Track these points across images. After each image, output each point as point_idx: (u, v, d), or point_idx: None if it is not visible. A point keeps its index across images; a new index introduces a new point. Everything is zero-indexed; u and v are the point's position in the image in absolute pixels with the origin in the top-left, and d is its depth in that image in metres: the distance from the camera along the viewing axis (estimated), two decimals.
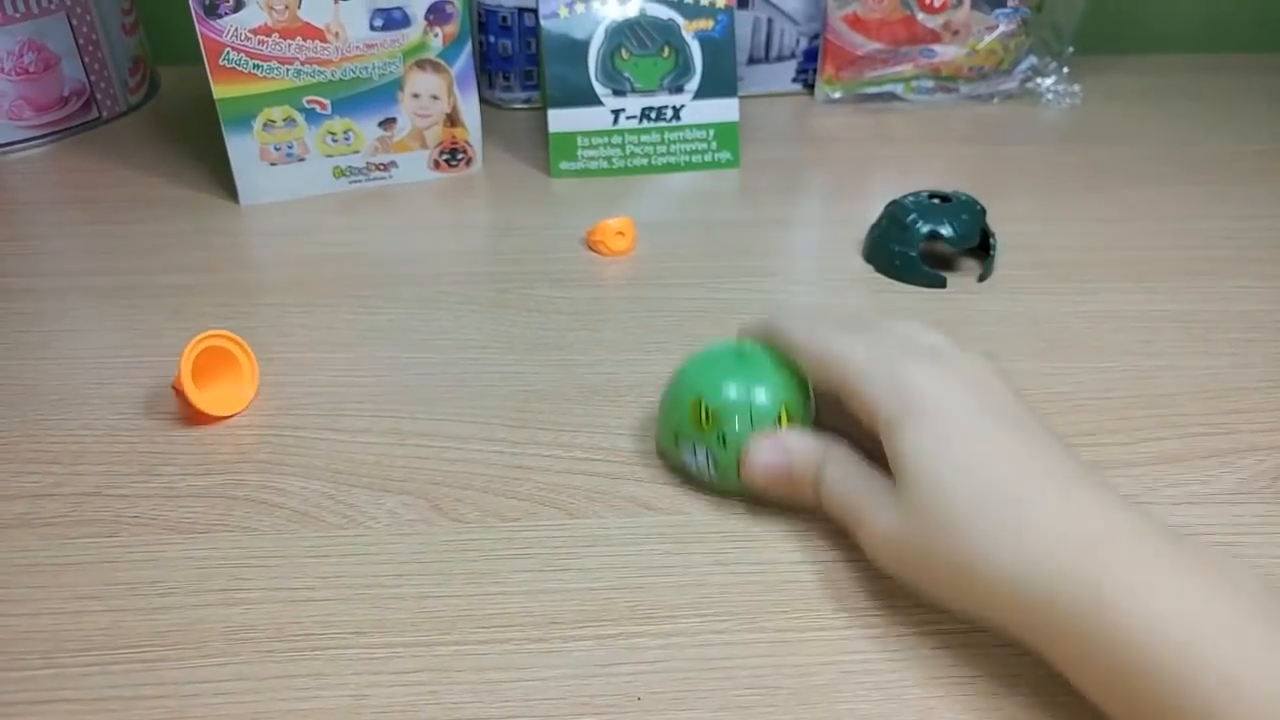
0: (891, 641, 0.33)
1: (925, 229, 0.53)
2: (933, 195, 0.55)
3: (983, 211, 0.54)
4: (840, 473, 0.35)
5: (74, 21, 0.67)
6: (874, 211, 0.56)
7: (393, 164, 0.62)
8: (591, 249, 0.56)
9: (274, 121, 0.58)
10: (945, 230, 0.53)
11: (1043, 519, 0.28)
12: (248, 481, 0.39)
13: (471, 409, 0.43)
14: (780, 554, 0.36)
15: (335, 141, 0.60)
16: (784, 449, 0.35)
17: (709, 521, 0.37)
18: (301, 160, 0.60)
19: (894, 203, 0.55)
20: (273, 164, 0.59)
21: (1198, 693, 0.24)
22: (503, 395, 0.44)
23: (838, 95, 0.76)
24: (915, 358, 0.33)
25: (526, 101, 0.75)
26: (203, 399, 0.41)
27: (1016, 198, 0.63)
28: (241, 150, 0.58)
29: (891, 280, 0.54)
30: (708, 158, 0.65)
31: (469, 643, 0.32)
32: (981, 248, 0.55)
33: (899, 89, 0.77)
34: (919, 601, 0.34)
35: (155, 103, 0.75)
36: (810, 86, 0.78)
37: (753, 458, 0.36)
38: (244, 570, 0.35)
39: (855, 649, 0.32)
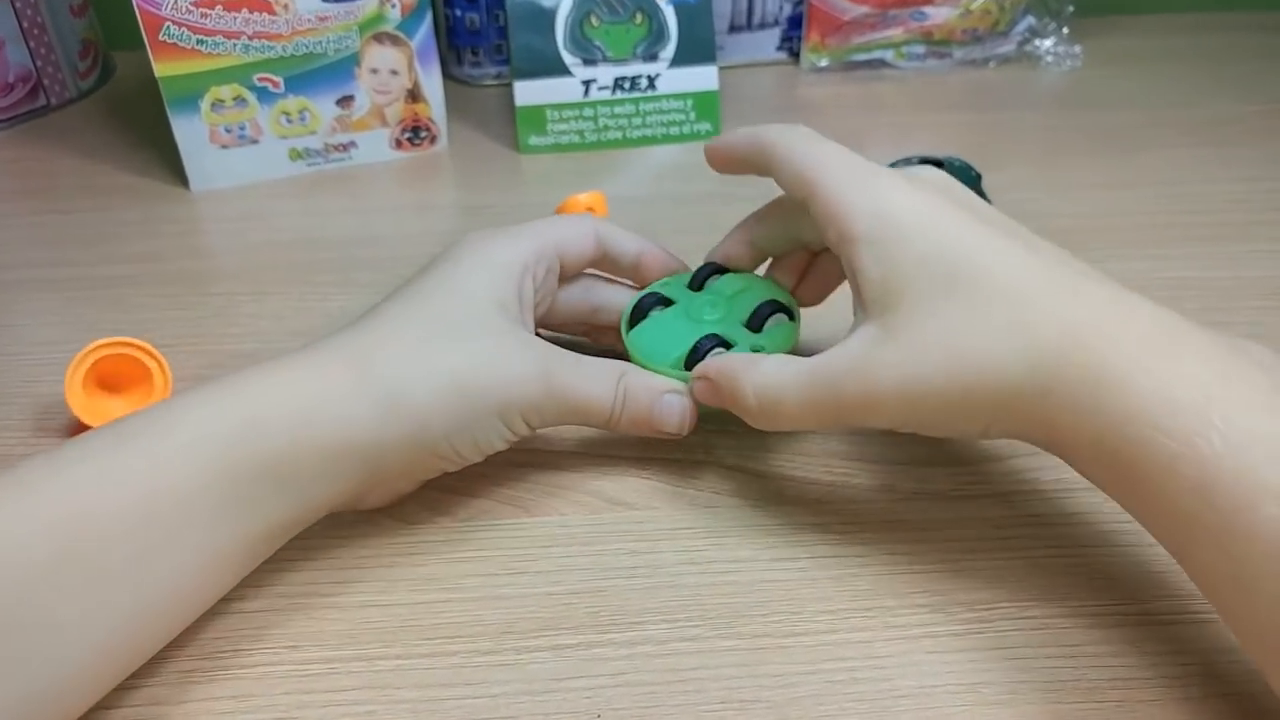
0: (881, 646, 0.29)
1: None
2: (924, 160, 0.51)
3: (978, 177, 0.51)
4: (772, 361, 0.31)
5: (17, 4, 0.63)
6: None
7: (352, 144, 0.59)
8: None
9: (223, 101, 0.55)
10: None
11: (1051, 307, 0.27)
12: None
13: None
14: (758, 550, 0.33)
15: (290, 122, 0.57)
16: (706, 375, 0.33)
17: (680, 518, 0.34)
18: (255, 142, 0.57)
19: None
20: (224, 147, 0.56)
21: (1197, 456, 0.23)
22: None
23: (824, 63, 0.73)
24: (899, 175, 0.30)
25: (497, 77, 0.71)
26: (96, 415, 0.36)
27: (1015, 165, 0.59)
28: (189, 132, 0.55)
29: None
30: (686, 129, 0.62)
31: (413, 656, 0.29)
32: None
33: (889, 55, 0.73)
34: (911, 601, 0.31)
35: (108, 88, 0.72)
36: (795, 55, 0.75)
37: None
38: None
39: (841, 655, 0.29)
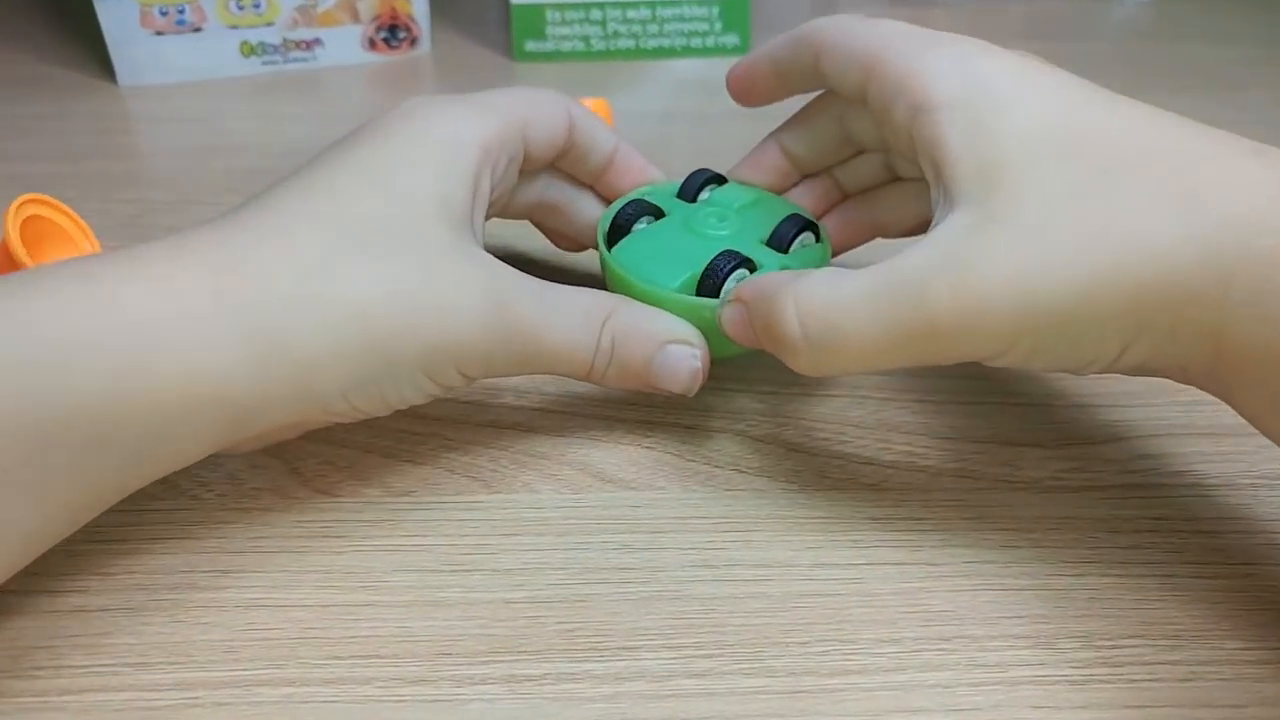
0: (965, 695, 0.21)
1: None
2: None
3: None
4: (823, 276, 0.23)
5: None
6: None
7: (317, 42, 0.50)
8: None
9: None
10: None
11: (1226, 175, 0.20)
12: None
13: None
14: (795, 552, 0.24)
15: (241, 9, 0.48)
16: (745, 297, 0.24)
17: (692, 502, 0.26)
18: (197, 30, 0.48)
19: None
20: (158, 33, 0.47)
21: None
22: None
23: None
24: (982, 42, 0.23)
25: None
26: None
27: None
28: (114, 13, 0.46)
29: None
30: (710, 41, 0.52)
31: (310, 682, 0.21)
32: None
33: None
34: (1005, 631, 0.22)
35: None
36: None
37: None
38: None
39: (912, 706, 0.21)
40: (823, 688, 0.21)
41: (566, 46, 0.51)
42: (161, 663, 0.21)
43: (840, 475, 0.27)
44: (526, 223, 0.32)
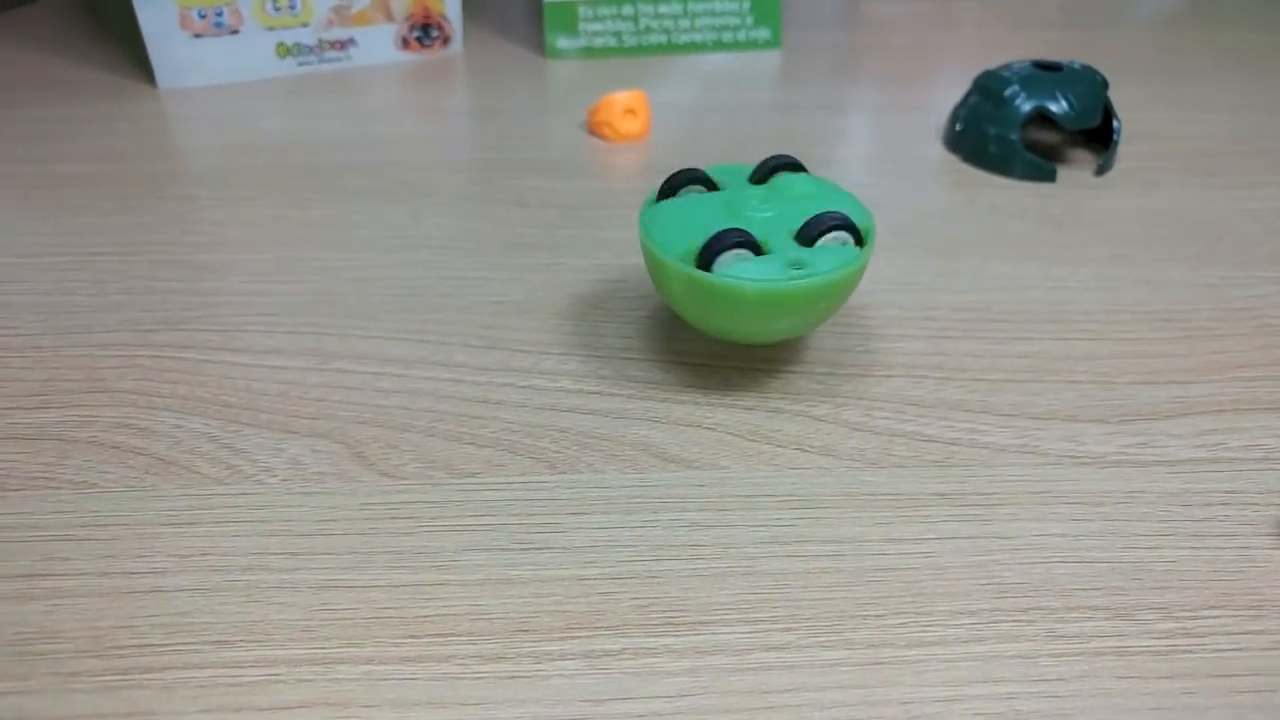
0: (1046, 665, 0.21)
1: (1029, 106, 0.41)
2: (1038, 64, 0.42)
3: (1104, 83, 0.42)
4: None
5: None
6: (950, 98, 0.44)
7: (351, 42, 0.50)
8: (594, 133, 0.43)
9: None
10: (1056, 106, 0.40)
11: None
12: (98, 418, 0.27)
13: (422, 324, 0.31)
14: (864, 527, 0.24)
15: (278, 10, 0.48)
16: None
17: (757, 479, 0.25)
18: (235, 33, 0.48)
19: (988, 73, 0.43)
20: (197, 35, 0.47)
21: None
22: (466, 307, 0.32)
23: None
24: None
25: None
26: None
27: (1130, 83, 0.50)
28: (155, 17, 0.46)
29: (985, 171, 0.42)
30: (741, 35, 0.52)
31: (389, 660, 0.21)
32: (1100, 133, 0.43)
33: None
34: (1082, 603, 0.22)
35: None
36: None
37: None
38: (61, 546, 0.23)
39: (993, 676, 0.20)
40: (902, 659, 0.21)
41: (598, 42, 0.51)
42: (239, 641, 0.21)
43: (905, 453, 0.26)
44: (529, 226, 0.32)
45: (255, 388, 0.29)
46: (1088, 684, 0.20)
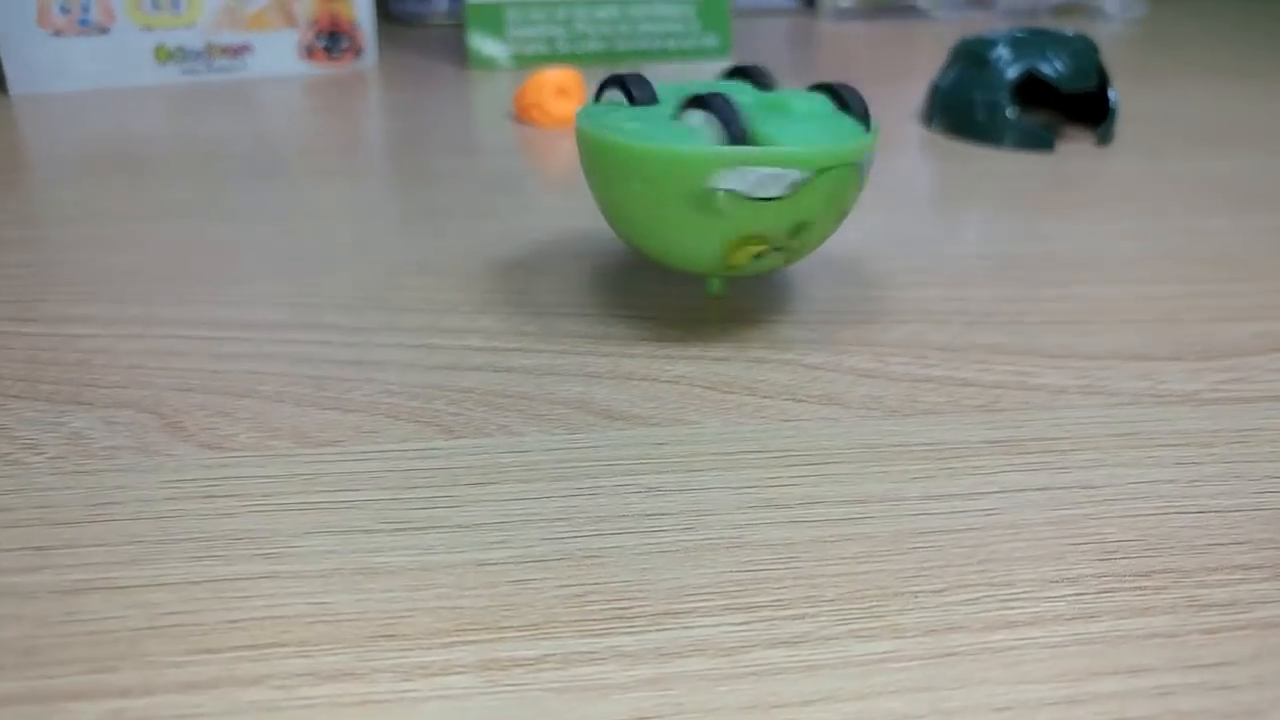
0: (1199, 644, 0.13)
1: (1017, 67, 0.36)
2: (1033, 31, 0.38)
3: (1095, 48, 0.37)
4: None
5: None
6: (917, 88, 0.39)
7: (246, 48, 0.44)
8: (523, 118, 0.37)
9: None
10: (1048, 67, 0.36)
11: None
12: None
13: (295, 289, 0.24)
14: (899, 483, 0.17)
15: (156, 8, 0.42)
16: None
17: (741, 435, 0.18)
18: (104, 31, 0.42)
19: (968, 39, 0.38)
20: (58, 33, 0.41)
21: None
22: (356, 269, 0.25)
23: (847, 3, 0.60)
24: None
25: (449, 16, 0.58)
26: None
27: (1116, 74, 0.46)
28: (7, 10, 0.40)
29: (973, 143, 0.36)
30: (688, 43, 0.47)
31: (159, 688, 0.13)
32: (1094, 108, 0.38)
33: (921, 1, 0.61)
34: (1227, 560, 0.15)
35: None
36: (811, 2, 0.62)
37: None
38: None
39: (1127, 662, 0.13)
40: (982, 647, 0.13)
41: (529, 49, 0.46)
42: None
43: (935, 398, 0.19)
44: (522, 220, 0.25)
45: (43, 358, 0.21)
46: (1264, 666, 0.13)
